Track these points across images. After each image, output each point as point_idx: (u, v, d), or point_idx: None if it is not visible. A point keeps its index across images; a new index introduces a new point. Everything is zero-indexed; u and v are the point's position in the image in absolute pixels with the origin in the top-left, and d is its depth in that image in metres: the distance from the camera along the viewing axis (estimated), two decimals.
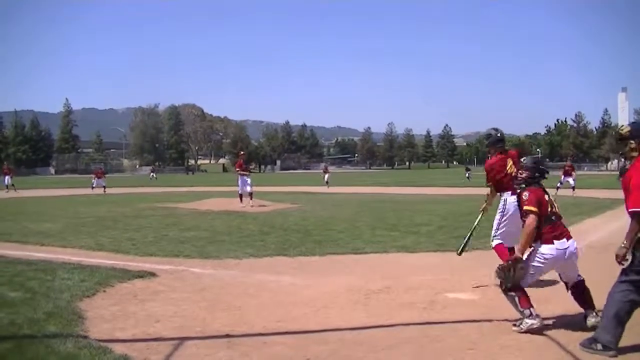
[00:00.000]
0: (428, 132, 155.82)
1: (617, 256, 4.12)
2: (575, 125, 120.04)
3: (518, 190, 5.17)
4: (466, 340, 4.60)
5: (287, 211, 16.99)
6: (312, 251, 9.30)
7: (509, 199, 6.52)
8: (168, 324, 5.13)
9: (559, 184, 25.02)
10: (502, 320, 5.11)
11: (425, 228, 12.24)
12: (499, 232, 6.67)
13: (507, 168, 6.67)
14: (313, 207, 18.56)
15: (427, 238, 10.72)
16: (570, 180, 25.68)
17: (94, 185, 32.15)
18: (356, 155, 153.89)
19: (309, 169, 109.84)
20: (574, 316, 5.01)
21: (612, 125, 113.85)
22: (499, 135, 6.87)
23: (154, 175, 60.54)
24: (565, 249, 4.74)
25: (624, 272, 4.23)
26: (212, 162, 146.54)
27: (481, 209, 7.16)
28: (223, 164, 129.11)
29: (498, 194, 6.83)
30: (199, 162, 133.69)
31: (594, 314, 4.72)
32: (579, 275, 4.91)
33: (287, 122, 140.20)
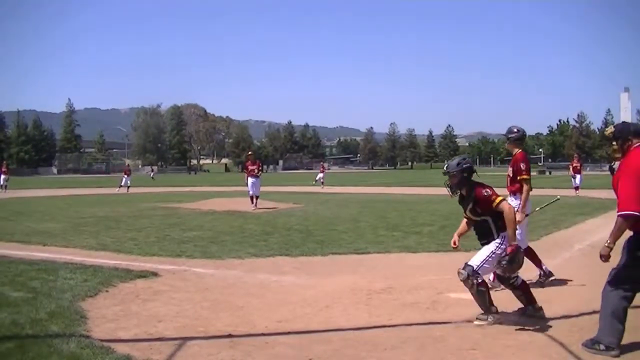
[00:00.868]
0: (430, 132, 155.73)
1: (601, 256, 4.17)
2: (577, 125, 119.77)
3: (457, 194, 5.26)
4: (468, 340, 4.59)
5: (290, 211, 17.00)
6: (315, 251, 9.30)
7: (514, 202, 6.45)
8: (170, 324, 5.13)
9: (575, 184, 24.91)
10: (504, 320, 5.11)
11: (428, 228, 12.23)
12: None
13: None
14: (315, 207, 18.56)
15: (429, 238, 10.71)
16: (577, 178, 25.21)
17: (122, 184, 31.92)
18: (358, 155, 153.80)
19: (311, 169, 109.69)
20: (576, 316, 5.00)
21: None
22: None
23: (152, 175, 62.68)
24: None
25: (613, 271, 4.25)
26: (214, 162, 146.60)
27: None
28: (225, 164, 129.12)
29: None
30: (202, 162, 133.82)
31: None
32: None
33: (290, 122, 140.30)
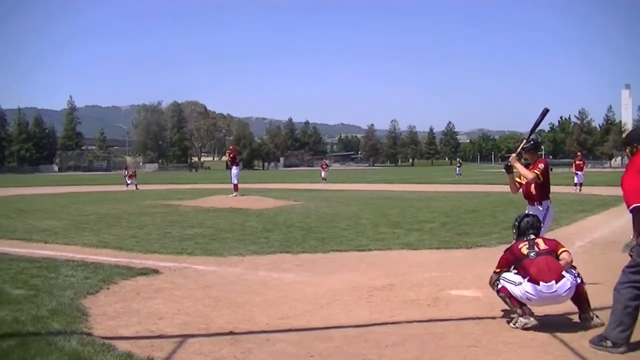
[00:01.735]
0: (431, 129, 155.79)
1: (630, 253, 4.28)
2: (579, 122, 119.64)
3: None
4: (470, 337, 4.59)
5: (291, 208, 16.99)
6: (316, 248, 9.30)
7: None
8: (171, 321, 5.14)
9: (576, 181, 24.88)
10: (505, 318, 5.11)
11: (429, 225, 12.23)
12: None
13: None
14: (316, 204, 18.55)
15: (430, 235, 10.71)
16: (578, 175, 25.13)
17: (128, 183, 32.77)
18: (359, 152, 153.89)
19: (312, 166, 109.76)
20: (577, 313, 4.99)
21: (616, 122, 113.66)
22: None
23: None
24: None
25: (626, 268, 4.27)
26: (215, 159, 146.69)
27: None
28: (226, 161, 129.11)
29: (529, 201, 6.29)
30: (202, 159, 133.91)
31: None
32: None
33: (290, 119, 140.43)
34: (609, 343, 4.17)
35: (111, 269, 7.25)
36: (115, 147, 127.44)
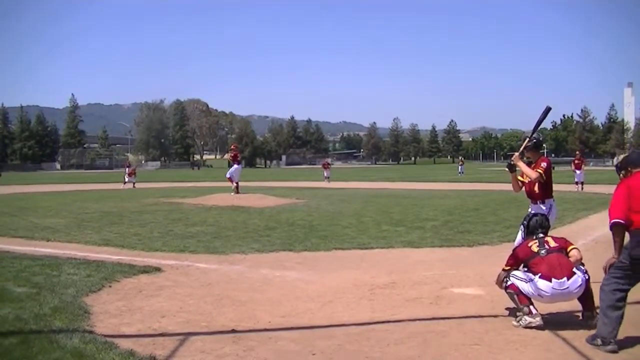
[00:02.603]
0: (433, 127, 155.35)
1: (605, 269, 4.51)
2: (581, 120, 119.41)
3: None
4: (472, 336, 4.59)
5: (293, 206, 16.99)
6: (318, 246, 9.30)
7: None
8: (174, 319, 5.14)
9: (576, 179, 25.05)
10: (508, 316, 5.13)
11: (431, 223, 12.22)
12: None
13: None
14: (318, 202, 18.54)
15: (432, 233, 10.71)
16: (578, 174, 25.30)
17: (126, 181, 32.46)
18: (362, 150, 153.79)
19: (314, 164, 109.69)
20: (579, 312, 4.99)
21: (619, 120, 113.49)
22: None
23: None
24: None
25: (611, 268, 4.45)
26: (217, 157, 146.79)
27: None
28: (228, 160, 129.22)
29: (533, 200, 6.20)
30: (205, 157, 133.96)
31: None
32: None
33: (293, 118, 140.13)
34: (599, 341, 4.25)
35: (113, 267, 7.26)
36: (117, 145, 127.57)
